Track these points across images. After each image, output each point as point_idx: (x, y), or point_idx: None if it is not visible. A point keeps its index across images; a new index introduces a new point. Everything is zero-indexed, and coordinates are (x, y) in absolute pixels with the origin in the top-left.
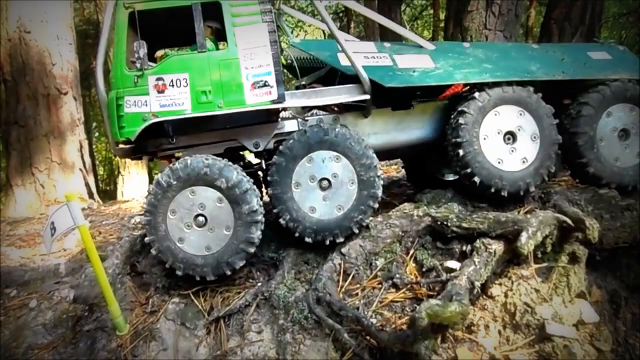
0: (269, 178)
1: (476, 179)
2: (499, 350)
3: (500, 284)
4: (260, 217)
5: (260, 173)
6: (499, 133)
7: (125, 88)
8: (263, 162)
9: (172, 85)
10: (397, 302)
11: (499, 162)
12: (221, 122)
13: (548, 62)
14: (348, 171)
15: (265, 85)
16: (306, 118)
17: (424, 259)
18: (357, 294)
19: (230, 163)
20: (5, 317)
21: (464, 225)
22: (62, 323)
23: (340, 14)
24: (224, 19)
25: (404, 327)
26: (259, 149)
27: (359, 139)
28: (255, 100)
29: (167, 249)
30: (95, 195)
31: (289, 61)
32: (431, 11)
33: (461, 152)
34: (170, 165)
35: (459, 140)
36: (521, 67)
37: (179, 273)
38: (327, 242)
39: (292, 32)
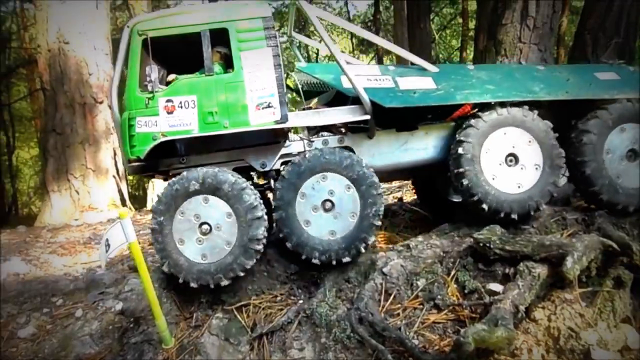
0: (273, 202)
1: (484, 206)
2: None
3: (543, 308)
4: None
5: (269, 193)
6: (500, 156)
7: (137, 109)
8: (272, 181)
9: (181, 107)
10: (439, 323)
11: (504, 186)
12: (230, 142)
13: (552, 82)
14: (350, 192)
15: (269, 106)
16: (312, 139)
17: (466, 281)
18: (398, 314)
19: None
20: (52, 325)
21: (507, 247)
22: (109, 334)
23: (369, 23)
24: (230, 44)
25: (447, 348)
26: (266, 169)
27: (359, 160)
28: (260, 120)
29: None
30: (128, 202)
31: (300, 85)
32: (460, 20)
33: (465, 181)
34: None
35: (461, 170)
36: (524, 87)
37: (193, 285)
38: (334, 263)
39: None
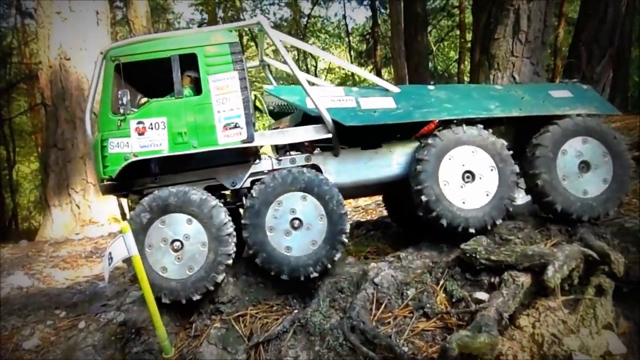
0: (242, 221)
1: (443, 222)
2: None
3: (528, 315)
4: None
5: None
6: (457, 174)
7: (110, 131)
8: (244, 198)
9: (152, 128)
10: (428, 331)
11: (463, 202)
12: (201, 161)
13: (507, 100)
14: (316, 209)
15: (236, 126)
16: (279, 158)
17: (454, 290)
18: (389, 323)
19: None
20: (56, 337)
21: (492, 257)
22: (111, 344)
23: (367, 36)
24: (199, 68)
25: (435, 355)
26: (236, 187)
27: (325, 179)
28: (227, 140)
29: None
30: (128, 216)
31: (272, 106)
32: (457, 32)
33: (424, 198)
34: None
35: (419, 187)
36: (480, 105)
37: (165, 301)
38: (302, 278)
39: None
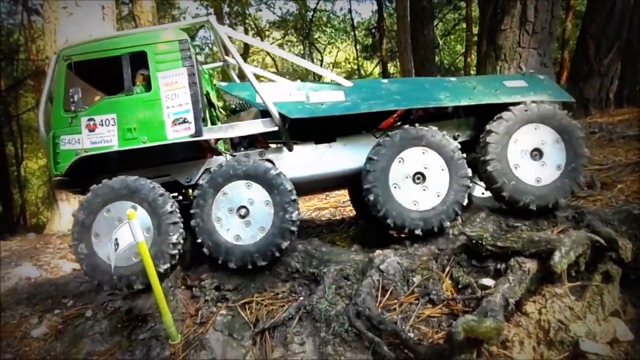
0: (191, 211)
1: (389, 222)
2: None
3: (534, 302)
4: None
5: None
6: (407, 175)
7: (62, 128)
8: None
9: (102, 125)
10: (433, 317)
11: (414, 204)
12: (159, 158)
13: (458, 91)
14: (264, 198)
15: (184, 121)
16: (233, 154)
17: (460, 276)
18: (394, 309)
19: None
20: (63, 325)
21: (499, 244)
22: (118, 332)
23: (373, 30)
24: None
25: (441, 341)
26: (191, 183)
27: (271, 167)
28: (176, 135)
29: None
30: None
31: (232, 106)
32: (464, 25)
33: (371, 197)
34: None
35: (367, 186)
36: (430, 96)
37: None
38: (250, 267)
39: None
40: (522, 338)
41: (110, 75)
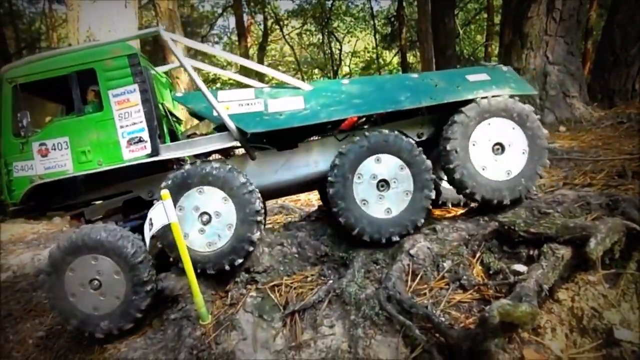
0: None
1: (341, 219)
2: (566, 353)
3: (567, 289)
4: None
5: None
6: (373, 178)
7: (13, 155)
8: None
9: (54, 149)
10: (464, 302)
11: (375, 210)
12: (117, 177)
13: (420, 90)
14: (227, 203)
15: (140, 141)
16: (194, 162)
17: (491, 262)
18: (424, 294)
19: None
20: None
21: (532, 230)
22: (149, 312)
23: (392, 19)
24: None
25: (472, 326)
26: (154, 198)
27: (236, 169)
28: (132, 155)
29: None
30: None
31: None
32: (485, 15)
33: (342, 219)
34: None
35: (331, 191)
36: (390, 98)
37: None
38: (227, 267)
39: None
40: (554, 325)
41: (63, 93)
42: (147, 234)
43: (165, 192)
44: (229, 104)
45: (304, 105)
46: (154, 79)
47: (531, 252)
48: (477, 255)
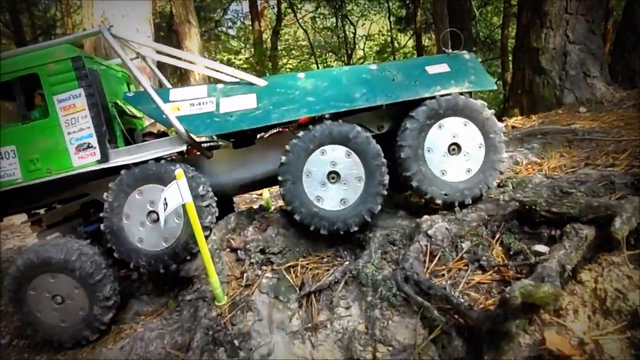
0: (102, 214)
1: (296, 217)
2: (589, 335)
3: (590, 270)
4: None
5: None
6: (322, 171)
7: None
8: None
9: (2, 158)
10: (483, 283)
11: (318, 200)
12: (72, 180)
13: (376, 85)
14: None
15: (89, 147)
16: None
17: (511, 243)
18: (443, 275)
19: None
20: None
21: (554, 209)
22: (164, 293)
23: (407, 1)
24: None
25: (492, 307)
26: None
27: (169, 167)
28: (82, 162)
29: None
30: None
31: None
32: None
33: (289, 207)
34: None
35: (282, 191)
36: (344, 96)
37: None
38: (162, 270)
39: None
40: (576, 306)
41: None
42: (162, 214)
43: (179, 172)
44: (181, 104)
45: (256, 105)
46: (107, 75)
47: (553, 233)
48: (497, 236)
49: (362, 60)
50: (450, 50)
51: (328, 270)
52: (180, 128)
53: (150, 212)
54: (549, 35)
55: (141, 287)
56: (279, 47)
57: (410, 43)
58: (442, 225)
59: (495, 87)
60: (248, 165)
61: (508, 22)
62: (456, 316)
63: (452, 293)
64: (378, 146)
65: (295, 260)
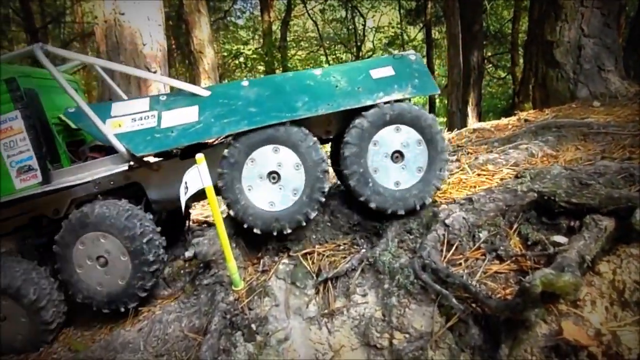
0: (56, 266)
1: (256, 231)
2: (606, 326)
3: (608, 261)
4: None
5: None
6: (261, 177)
7: None
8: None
9: None
10: (501, 273)
11: (271, 205)
12: (20, 201)
13: (319, 93)
14: (115, 247)
15: (30, 169)
16: (97, 180)
17: (529, 233)
18: (460, 264)
19: None
20: None
21: (573, 200)
22: (180, 277)
23: None
24: None
25: (509, 297)
26: (59, 216)
27: (122, 211)
28: (24, 185)
29: None
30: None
31: None
32: None
33: (225, 201)
34: None
35: (224, 195)
36: (286, 106)
37: None
38: (122, 310)
39: None
40: (594, 298)
41: None
42: (183, 198)
43: (200, 157)
44: (122, 119)
45: (197, 118)
46: (49, 89)
47: (572, 224)
48: (515, 226)
49: (371, 52)
50: (396, 52)
51: (345, 257)
52: (120, 147)
53: (98, 257)
54: (564, 28)
55: None
56: (288, 38)
57: (420, 36)
58: (460, 214)
59: (438, 91)
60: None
61: (519, 16)
62: (474, 305)
63: (470, 282)
64: (313, 139)
65: (312, 247)
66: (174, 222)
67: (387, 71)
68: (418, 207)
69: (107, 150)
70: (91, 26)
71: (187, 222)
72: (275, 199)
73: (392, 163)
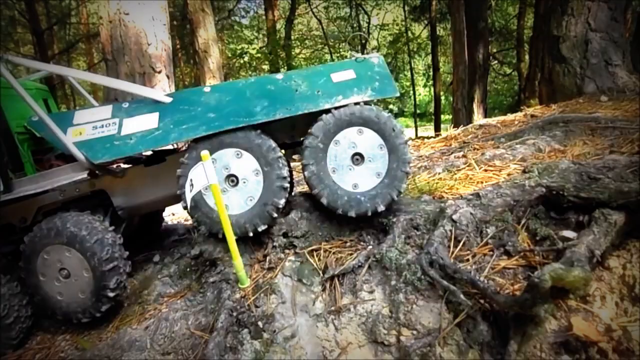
0: (21, 264)
1: (202, 228)
2: (616, 322)
3: (618, 256)
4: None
5: None
6: (223, 178)
7: None
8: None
9: None
10: (509, 269)
11: (227, 207)
12: None
13: (279, 97)
14: (79, 261)
15: None
16: (63, 188)
17: (537, 228)
18: (467, 260)
19: None
20: (132, 269)
21: (582, 194)
22: (187, 275)
23: None
24: None
25: (518, 293)
26: (27, 224)
27: (88, 223)
28: None
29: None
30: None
31: None
32: None
33: (183, 204)
34: None
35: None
36: (244, 111)
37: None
38: (75, 321)
39: None
40: (603, 293)
41: None
42: (188, 195)
43: (205, 153)
44: (84, 127)
45: (157, 124)
46: (13, 97)
47: (580, 218)
48: (523, 221)
49: (375, 50)
50: (359, 55)
51: (351, 254)
52: (79, 155)
53: (61, 269)
54: (570, 22)
55: (163, 269)
56: (293, 37)
57: (425, 33)
58: (467, 210)
59: (397, 94)
60: (160, 183)
61: (524, 11)
62: (482, 300)
63: (478, 278)
64: (267, 140)
65: (318, 244)
66: (150, 225)
67: (348, 74)
68: (370, 213)
69: (71, 158)
70: (96, 27)
71: (161, 224)
72: (231, 204)
73: (352, 164)
